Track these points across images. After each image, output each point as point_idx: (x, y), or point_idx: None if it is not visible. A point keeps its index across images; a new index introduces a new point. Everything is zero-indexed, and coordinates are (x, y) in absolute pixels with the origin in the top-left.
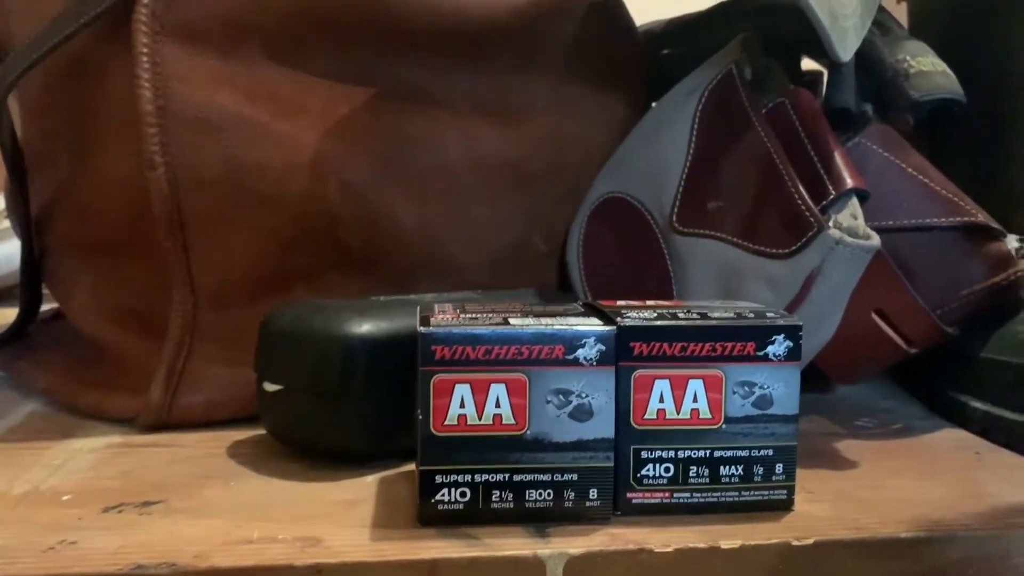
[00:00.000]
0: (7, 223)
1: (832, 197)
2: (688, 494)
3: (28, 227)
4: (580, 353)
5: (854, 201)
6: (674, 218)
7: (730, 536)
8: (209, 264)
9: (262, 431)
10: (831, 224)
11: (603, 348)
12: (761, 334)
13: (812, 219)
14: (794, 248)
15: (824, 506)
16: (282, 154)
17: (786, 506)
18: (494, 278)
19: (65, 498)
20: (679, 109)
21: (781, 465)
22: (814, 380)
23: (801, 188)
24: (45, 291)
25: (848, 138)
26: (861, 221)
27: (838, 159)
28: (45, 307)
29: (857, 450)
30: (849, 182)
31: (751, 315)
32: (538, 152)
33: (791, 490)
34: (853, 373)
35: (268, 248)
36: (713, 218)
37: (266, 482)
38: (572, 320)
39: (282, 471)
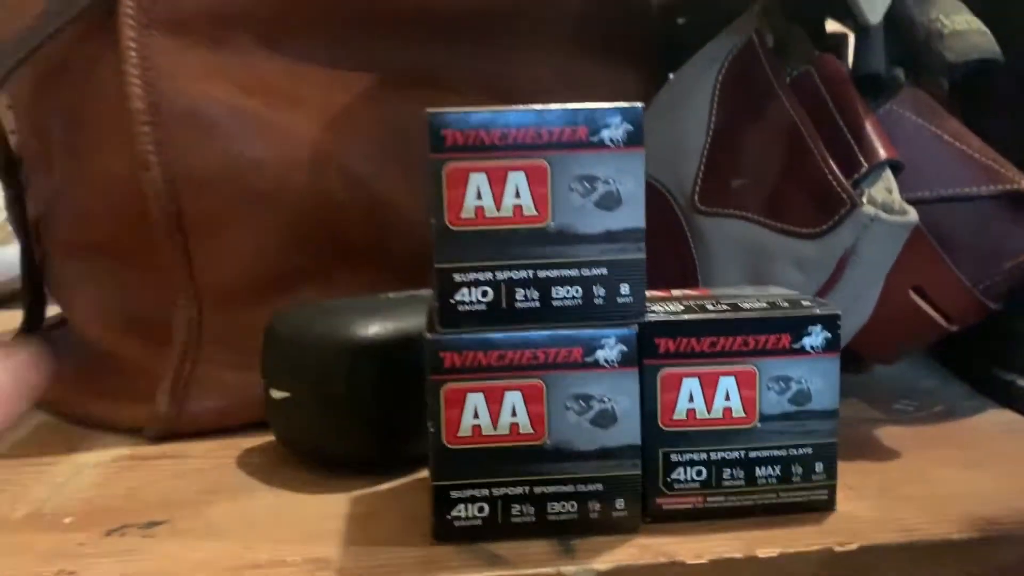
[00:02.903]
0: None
1: (864, 170)
2: (722, 498)
3: (27, 233)
4: (600, 355)
5: (888, 173)
6: (696, 198)
7: (768, 543)
8: (212, 266)
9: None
10: (865, 200)
11: (624, 348)
12: (797, 325)
13: (844, 195)
14: (826, 227)
15: (867, 505)
16: (280, 148)
17: (827, 506)
18: None
19: (67, 520)
20: (698, 82)
21: (821, 464)
22: (848, 360)
23: (831, 162)
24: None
25: (879, 105)
26: (896, 195)
27: (869, 129)
28: (50, 313)
29: (898, 437)
30: (882, 153)
31: (785, 304)
32: None
33: (832, 490)
34: (890, 353)
35: (272, 247)
36: (737, 197)
37: (277, 495)
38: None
39: (293, 483)
